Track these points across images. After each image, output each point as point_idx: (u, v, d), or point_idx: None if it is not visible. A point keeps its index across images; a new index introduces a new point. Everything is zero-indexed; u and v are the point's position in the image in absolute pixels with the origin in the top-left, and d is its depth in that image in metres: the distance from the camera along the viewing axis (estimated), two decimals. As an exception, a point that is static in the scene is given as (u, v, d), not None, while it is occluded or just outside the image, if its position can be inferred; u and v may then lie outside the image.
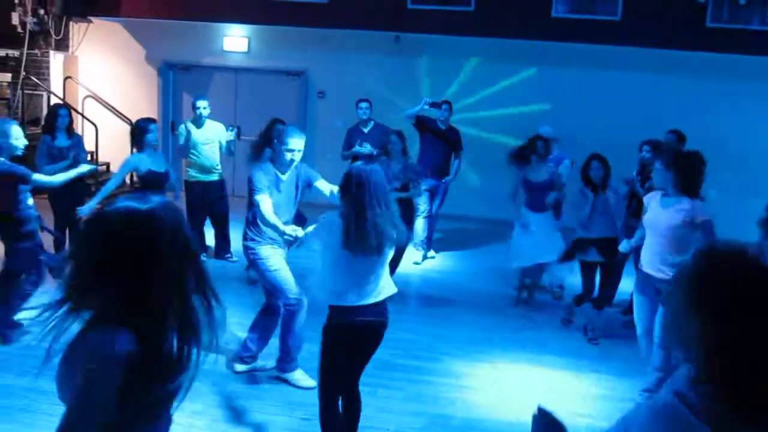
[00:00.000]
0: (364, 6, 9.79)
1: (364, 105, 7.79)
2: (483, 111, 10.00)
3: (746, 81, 9.16)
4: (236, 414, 4.22)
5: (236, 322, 5.44)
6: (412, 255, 7.51)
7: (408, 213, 6.26)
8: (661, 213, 4.35)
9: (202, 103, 7.10)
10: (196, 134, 7.12)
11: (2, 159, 4.87)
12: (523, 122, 9.72)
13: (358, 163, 4.23)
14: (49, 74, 10.31)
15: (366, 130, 7.83)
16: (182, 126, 7.27)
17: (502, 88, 9.98)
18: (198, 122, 7.15)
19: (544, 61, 9.77)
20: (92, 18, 10.61)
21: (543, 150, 6.26)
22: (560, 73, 9.73)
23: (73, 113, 8.28)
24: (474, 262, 8.07)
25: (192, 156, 7.13)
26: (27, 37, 9.98)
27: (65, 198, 6.25)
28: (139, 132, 5.99)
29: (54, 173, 6.23)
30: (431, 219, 7.82)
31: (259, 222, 4.50)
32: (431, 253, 8.00)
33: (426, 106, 7.35)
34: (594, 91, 9.63)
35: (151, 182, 5.85)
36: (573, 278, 6.38)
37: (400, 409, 4.38)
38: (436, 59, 9.98)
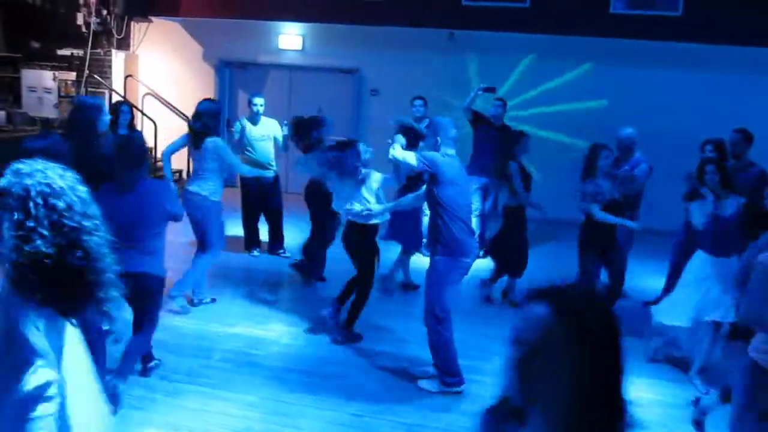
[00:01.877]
0: (418, 3, 9.77)
1: (418, 103, 7.77)
2: (537, 108, 9.85)
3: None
4: (289, 407, 4.27)
5: (299, 317, 5.49)
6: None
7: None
8: None
9: (258, 100, 7.19)
10: (252, 131, 7.22)
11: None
12: (578, 120, 9.58)
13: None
14: (111, 73, 10.62)
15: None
16: (238, 123, 7.39)
17: (557, 85, 9.82)
18: (254, 119, 7.25)
19: (600, 58, 9.56)
20: (152, 18, 10.88)
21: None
22: (617, 71, 9.51)
23: (134, 110, 8.51)
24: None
25: (247, 152, 7.24)
26: (90, 36, 10.31)
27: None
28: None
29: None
30: (483, 218, 7.75)
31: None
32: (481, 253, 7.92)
33: (480, 92, 7.29)
34: (653, 89, 9.38)
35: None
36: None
37: (450, 407, 4.36)
38: (490, 56, 9.88)
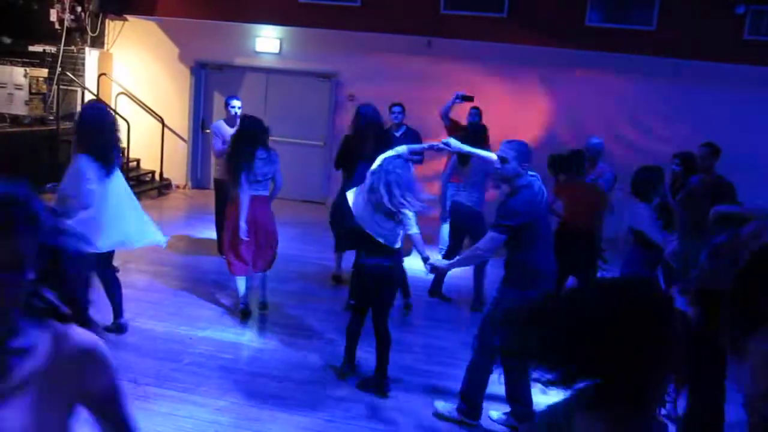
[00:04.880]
0: (396, 10, 9.81)
1: (396, 109, 7.78)
2: (514, 117, 9.93)
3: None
4: (260, 412, 4.23)
5: (271, 321, 5.43)
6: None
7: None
8: None
9: (236, 103, 7.14)
10: (229, 133, 7.16)
11: None
12: (553, 129, 9.69)
13: None
14: (84, 70, 10.48)
15: (398, 135, 7.82)
16: (215, 125, 7.33)
17: (536, 94, 9.91)
18: (231, 121, 7.20)
19: (575, 69, 9.69)
20: (128, 16, 10.77)
21: None
22: (597, 81, 9.64)
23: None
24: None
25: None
26: (64, 33, 10.16)
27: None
28: None
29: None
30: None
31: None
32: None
33: (458, 100, 7.30)
34: (626, 100, 9.53)
35: None
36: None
37: (422, 413, 4.37)
38: (468, 65, 9.94)
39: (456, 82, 9.31)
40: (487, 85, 9.74)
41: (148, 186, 10.53)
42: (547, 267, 4.08)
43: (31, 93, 9.58)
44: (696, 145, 6.39)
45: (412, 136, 7.72)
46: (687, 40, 9.09)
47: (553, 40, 9.43)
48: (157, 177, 10.84)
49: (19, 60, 9.89)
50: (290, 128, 10.69)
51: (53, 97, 10.14)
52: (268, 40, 10.59)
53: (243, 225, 5.43)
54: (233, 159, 5.53)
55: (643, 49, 9.22)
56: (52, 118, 9.90)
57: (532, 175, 4.06)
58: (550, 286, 4.00)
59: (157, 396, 4.31)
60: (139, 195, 9.80)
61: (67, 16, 10.09)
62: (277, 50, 10.60)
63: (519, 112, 9.92)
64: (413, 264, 5.99)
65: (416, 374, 4.94)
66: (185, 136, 11.05)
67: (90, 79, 10.53)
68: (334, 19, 10.00)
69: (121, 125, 9.97)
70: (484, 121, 8.02)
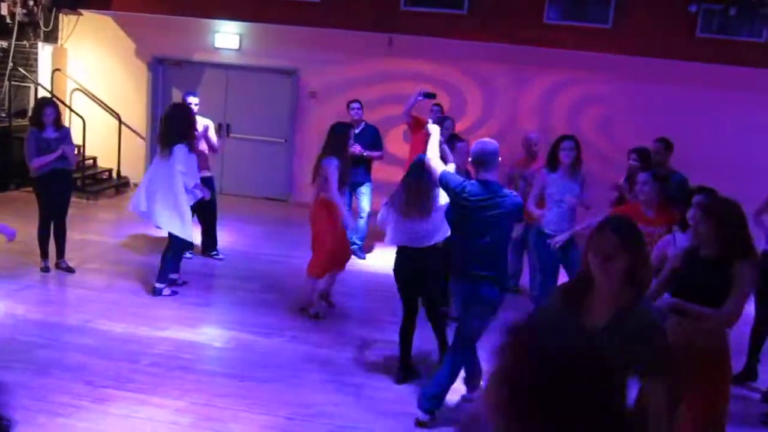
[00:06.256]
0: (356, 6, 9.79)
1: (356, 105, 7.79)
2: (475, 113, 10.01)
3: (736, 91, 9.25)
4: (220, 412, 4.20)
5: (231, 320, 5.40)
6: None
7: None
8: None
9: (193, 99, 7.05)
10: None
11: None
12: (507, 127, 9.80)
13: None
14: (37, 66, 10.21)
15: (357, 131, 7.82)
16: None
17: (493, 92, 10.00)
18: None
19: (534, 66, 9.80)
20: (82, 10, 10.52)
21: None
22: (551, 78, 9.77)
23: (61, 106, 8.22)
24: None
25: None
26: (15, 28, 9.88)
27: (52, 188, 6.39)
28: None
29: (43, 165, 6.23)
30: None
31: None
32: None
33: (420, 97, 7.34)
34: (582, 97, 9.69)
35: None
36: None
37: (385, 410, 4.39)
38: (428, 62, 9.98)
39: (417, 79, 9.34)
40: (447, 81, 9.79)
41: (105, 184, 10.32)
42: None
43: (-19, 89, 9.32)
44: (651, 141, 6.53)
45: (370, 132, 7.75)
46: (642, 38, 9.27)
47: (512, 37, 9.52)
48: (114, 175, 10.63)
49: (-32, 55, 9.61)
50: (251, 125, 10.61)
51: (5, 93, 9.87)
52: (227, 36, 10.47)
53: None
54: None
55: (599, 46, 9.37)
56: (4, 114, 9.64)
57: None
58: None
59: (116, 398, 4.24)
60: (95, 194, 9.69)
61: (18, 10, 9.80)
62: (236, 46, 10.48)
63: (479, 108, 10.00)
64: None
65: (383, 371, 4.95)
66: (143, 133, 10.86)
67: (43, 75, 10.26)
68: (294, 15, 9.93)
69: (76, 122, 9.83)
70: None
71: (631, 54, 9.29)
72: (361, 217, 7.76)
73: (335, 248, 5.79)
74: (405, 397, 4.57)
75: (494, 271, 4.15)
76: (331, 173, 5.60)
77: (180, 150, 5.88)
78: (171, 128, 5.99)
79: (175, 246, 6.13)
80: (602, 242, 2.46)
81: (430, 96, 7.22)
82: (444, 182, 4.28)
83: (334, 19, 9.78)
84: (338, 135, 5.81)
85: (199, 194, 6.18)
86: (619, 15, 9.36)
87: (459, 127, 8.14)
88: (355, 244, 7.66)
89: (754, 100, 9.20)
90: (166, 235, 6.18)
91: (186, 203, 5.97)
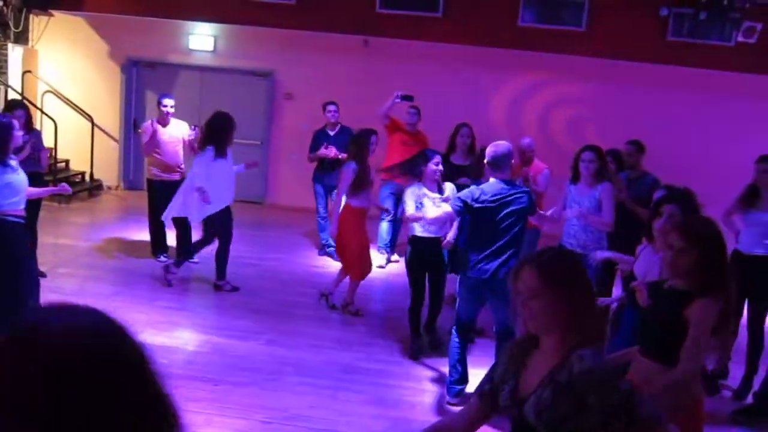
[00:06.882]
0: (331, 8, 9.77)
1: (332, 107, 7.79)
2: (450, 116, 10.04)
3: (707, 94, 9.41)
4: (195, 416, 4.16)
5: (206, 323, 5.36)
6: (375, 259, 7.50)
7: None
8: None
9: (168, 101, 7.00)
10: (161, 132, 7.02)
11: None
12: (483, 129, 9.85)
13: None
14: (7, 68, 10.05)
15: (332, 133, 7.83)
16: (147, 123, 7.17)
17: (469, 94, 10.05)
18: (163, 120, 7.05)
19: (508, 69, 9.88)
20: (53, 11, 10.37)
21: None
22: (526, 81, 9.85)
23: (32, 109, 8.10)
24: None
25: (155, 154, 7.02)
26: (-15, 28, 9.73)
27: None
28: None
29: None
30: (395, 223, 7.84)
31: None
32: (395, 257, 8.00)
33: (398, 100, 7.35)
34: (556, 99, 9.79)
35: None
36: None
37: (361, 413, 4.38)
38: (405, 64, 10.00)
39: (393, 81, 9.35)
40: (423, 84, 9.81)
41: (78, 188, 10.17)
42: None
43: (-51, 91, 9.14)
44: (624, 143, 6.61)
45: (346, 134, 7.75)
46: (614, 41, 9.38)
47: (487, 40, 9.57)
48: (87, 178, 10.50)
49: (-65, 56, 9.42)
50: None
51: (-26, 95, 9.70)
52: (202, 38, 10.40)
53: None
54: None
55: (573, 49, 9.47)
56: (-27, 117, 9.45)
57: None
58: None
59: (87, 404, 4.18)
60: (68, 197, 9.55)
61: (-13, 10, 9.66)
62: (211, 48, 10.41)
63: (455, 111, 10.04)
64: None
65: (359, 373, 4.94)
66: (117, 136, 10.74)
67: (14, 76, 10.10)
68: (269, 17, 9.88)
69: (48, 125, 9.69)
70: (422, 120, 8.11)
71: (604, 57, 9.40)
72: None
73: (363, 251, 6.12)
74: (381, 399, 4.57)
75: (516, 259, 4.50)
76: (345, 175, 5.98)
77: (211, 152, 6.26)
78: (220, 133, 6.32)
79: (224, 241, 6.48)
80: (523, 278, 1.98)
81: (407, 98, 7.25)
82: (459, 210, 4.60)
83: (310, 21, 9.76)
84: (361, 141, 6.13)
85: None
86: (593, 18, 9.47)
87: (434, 129, 8.15)
88: (330, 246, 7.66)
89: (724, 103, 9.36)
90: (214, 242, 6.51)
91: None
